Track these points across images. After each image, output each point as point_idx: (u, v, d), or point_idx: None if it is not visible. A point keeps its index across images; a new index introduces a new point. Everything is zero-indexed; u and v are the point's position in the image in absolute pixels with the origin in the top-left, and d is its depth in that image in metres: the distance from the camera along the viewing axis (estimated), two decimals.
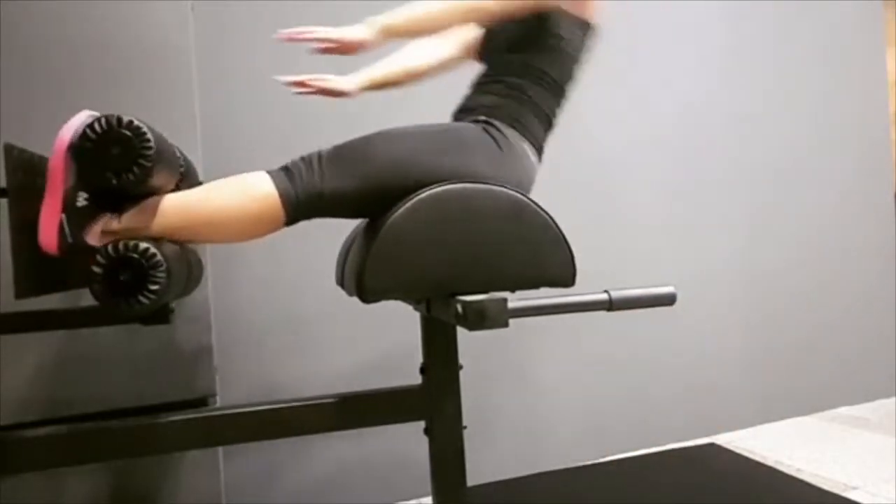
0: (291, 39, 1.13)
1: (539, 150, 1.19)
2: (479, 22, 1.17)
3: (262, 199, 0.96)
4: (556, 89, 1.19)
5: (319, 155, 1.02)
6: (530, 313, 0.90)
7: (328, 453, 1.91)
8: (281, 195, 0.97)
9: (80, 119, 0.88)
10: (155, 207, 0.92)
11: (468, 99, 1.24)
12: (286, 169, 1.00)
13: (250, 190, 0.97)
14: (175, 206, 0.94)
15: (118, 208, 0.90)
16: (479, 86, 1.22)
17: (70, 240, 0.86)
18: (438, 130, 1.07)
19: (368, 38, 1.12)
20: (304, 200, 0.98)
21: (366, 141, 1.03)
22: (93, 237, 0.87)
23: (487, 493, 1.97)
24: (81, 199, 0.87)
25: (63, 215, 0.86)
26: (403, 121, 1.18)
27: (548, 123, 1.19)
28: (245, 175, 0.99)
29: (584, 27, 1.21)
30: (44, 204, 0.86)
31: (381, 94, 2.01)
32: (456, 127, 1.09)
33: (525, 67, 1.16)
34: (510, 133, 1.11)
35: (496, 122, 1.11)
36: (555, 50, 1.17)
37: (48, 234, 0.85)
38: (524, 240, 0.99)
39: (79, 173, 0.86)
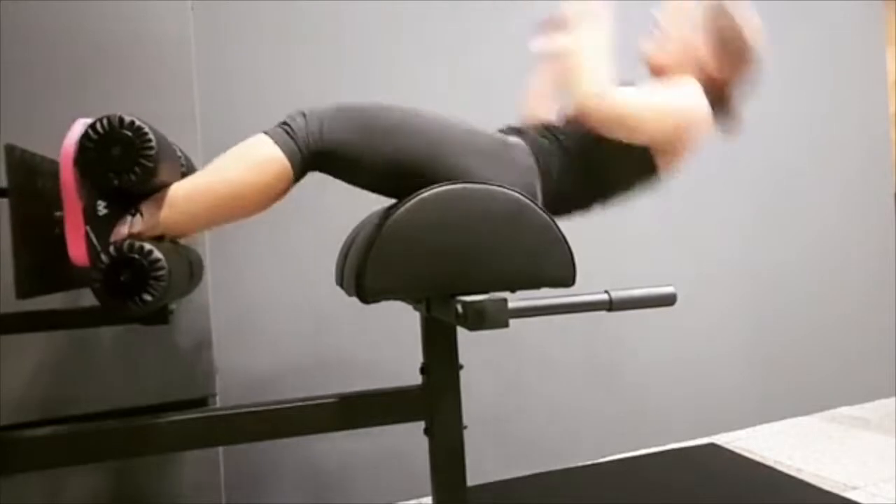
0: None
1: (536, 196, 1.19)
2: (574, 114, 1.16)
3: (270, 163, 0.96)
4: (587, 189, 1.18)
5: (322, 111, 1.01)
6: (530, 313, 0.90)
7: (328, 453, 1.91)
8: (286, 153, 0.96)
9: (78, 129, 0.88)
10: (172, 199, 0.92)
11: (531, 127, 1.23)
12: (284, 124, 0.99)
13: (257, 156, 0.96)
14: (188, 192, 0.94)
15: (136, 208, 0.90)
16: (546, 127, 1.20)
17: (99, 249, 0.86)
18: (481, 135, 1.08)
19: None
20: (306, 152, 0.98)
21: (375, 109, 1.03)
22: (121, 241, 0.87)
23: (487, 493, 1.97)
24: (101, 208, 0.87)
25: (87, 227, 0.86)
26: None
27: (561, 204, 1.19)
28: (246, 144, 0.98)
29: (647, 166, 1.19)
30: (66, 220, 0.86)
31: (381, 96, 2.01)
32: (473, 129, 1.10)
33: (578, 151, 1.16)
34: (530, 162, 1.12)
35: (536, 157, 1.13)
36: (607, 162, 1.17)
37: (77, 248, 0.86)
38: (524, 240, 0.99)
39: (90, 182, 0.86)
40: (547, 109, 1.42)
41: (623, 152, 1.15)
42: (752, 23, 1.26)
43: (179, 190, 0.94)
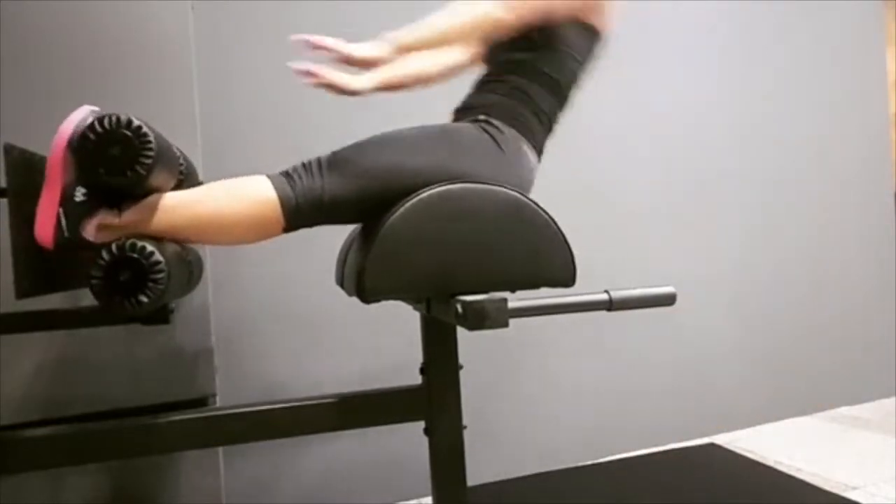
0: (308, 44, 1.13)
1: (538, 151, 1.18)
2: (496, 35, 1.17)
3: (262, 203, 0.96)
4: (558, 92, 1.19)
5: (319, 161, 1.02)
6: (530, 313, 0.90)
7: (328, 453, 1.91)
8: (281, 199, 0.96)
9: (80, 114, 0.88)
10: (154, 206, 0.92)
11: (469, 97, 1.23)
12: (286, 174, 1.00)
13: (250, 193, 0.96)
14: (174, 205, 0.94)
15: (116, 204, 0.90)
16: (481, 84, 1.21)
17: (66, 234, 0.86)
18: (435, 132, 1.07)
19: (382, 55, 1.12)
20: (303, 205, 0.98)
21: (361, 147, 1.03)
22: (90, 232, 0.87)
23: (487, 493, 1.97)
24: (80, 195, 0.87)
25: (60, 209, 0.86)
26: (405, 121, 1.18)
27: (548, 125, 1.19)
28: (245, 178, 0.98)
29: (593, 34, 1.21)
30: (41, 197, 0.85)
31: (382, 94, 2.01)
32: (454, 128, 1.09)
33: (528, 68, 1.16)
34: (509, 132, 1.11)
35: (495, 121, 1.11)
36: (559, 52, 1.17)
37: (44, 227, 0.85)
38: (524, 240, 0.99)
39: (79, 172, 0.86)
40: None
41: (557, 39, 1.16)
42: None
43: (168, 202, 0.93)
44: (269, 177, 0.99)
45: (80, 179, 0.87)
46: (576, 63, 1.20)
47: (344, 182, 0.99)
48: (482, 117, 1.12)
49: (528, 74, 1.16)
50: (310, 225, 1.01)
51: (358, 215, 1.04)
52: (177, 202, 0.94)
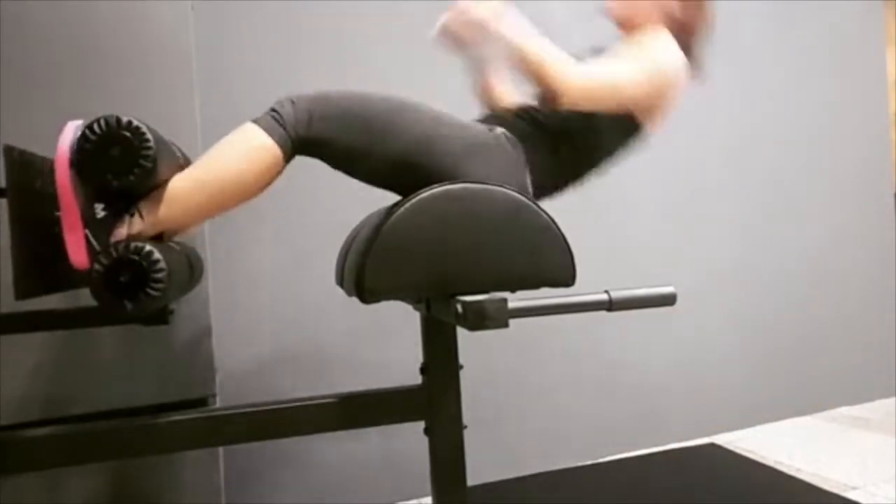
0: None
1: (527, 191, 1.18)
2: (542, 87, 1.13)
3: (261, 151, 0.97)
4: (582, 170, 1.19)
5: (310, 98, 1.01)
6: (530, 313, 0.90)
7: (328, 453, 1.91)
8: (275, 140, 0.97)
9: (71, 132, 0.88)
10: (171, 196, 0.93)
11: (493, 115, 1.23)
12: (273, 110, 1.00)
13: (247, 145, 0.97)
14: (187, 188, 0.94)
15: (134, 208, 0.90)
16: (521, 110, 1.20)
17: (99, 251, 0.86)
18: (446, 115, 1.08)
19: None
20: (294, 137, 0.99)
21: (398, 106, 1.03)
22: (121, 242, 0.87)
23: (487, 493, 1.97)
24: (99, 211, 0.87)
25: (87, 231, 0.86)
26: None
27: (556, 187, 1.19)
28: (235, 134, 0.99)
29: (634, 129, 1.20)
30: (64, 224, 0.85)
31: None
32: (467, 121, 1.10)
33: (576, 131, 1.16)
34: (521, 160, 1.12)
35: (512, 137, 1.13)
36: (606, 136, 1.17)
37: (77, 252, 0.86)
38: (524, 240, 0.99)
39: (85, 182, 0.86)
40: (509, 94, 1.38)
41: (607, 120, 1.16)
42: None
43: (176, 186, 0.94)
44: (255, 121, 0.99)
45: (93, 193, 0.87)
46: (605, 150, 1.20)
47: (333, 117, 1.00)
48: (500, 130, 1.13)
49: (557, 130, 1.16)
50: (308, 154, 1.02)
51: (348, 157, 1.03)
52: (186, 184, 0.94)
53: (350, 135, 1.00)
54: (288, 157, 1.00)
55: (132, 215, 0.89)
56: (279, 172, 1.01)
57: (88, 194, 0.87)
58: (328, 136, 1.00)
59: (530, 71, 1.07)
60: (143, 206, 0.90)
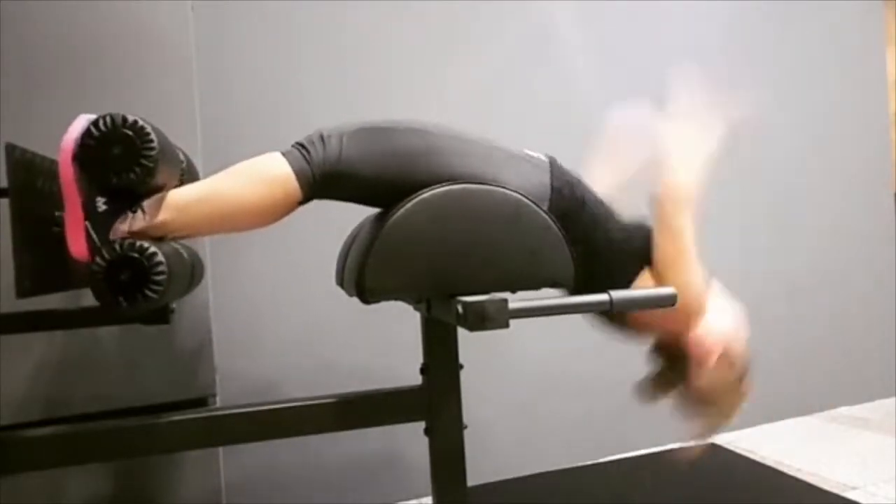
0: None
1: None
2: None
3: (281, 182, 0.96)
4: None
5: (341, 132, 1.00)
6: (531, 314, 0.90)
7: (328, 453, 1.91)
8: (297, 174, 0.96)
9: (80, 125, 0.88)
10: (179, 202, 0.92)
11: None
12: (301, 145, 0.99)
13: (267, 173, 0.96)
14: (195, 198, 0.94)
15: (138, 205, 0.90)
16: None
17: (99, 245, 0.86)
18: (486, 147, 1.05)
19: None
20: (319, 177, 0.97)
21: (395, 127, 1.02)
22: (121, 238, 0.87)
23: (487, 493, 1.97)
24: (101, 204, 0.87)
25: (87, 223, 0.86)
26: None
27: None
28: (260, 158, 0.98)
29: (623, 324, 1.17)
30: (66, 216, 0.86)
31: (381, 96, 2.01)
32: (515, 160, 1.07)
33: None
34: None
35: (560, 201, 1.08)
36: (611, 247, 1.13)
37: (77, 243, 0.86)
38: (524, 240, 0.99)
39: (86, 177, 0.86)
40: (611, 177, 1.34)
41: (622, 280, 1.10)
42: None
43: (187, 194, 0.94)
44: (283, 153, 0.98)
45: (95, 187, 0.87)
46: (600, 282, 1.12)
47: (363, 156, 0.98)
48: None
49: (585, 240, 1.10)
50: (327, 198, 1.01)
51: (372, 195, 1.02)
52: (197, 196, 0.94)
53: (377, 172, 0.99)
54: (307, 195, 0.98)
55: (135, 212, 0.89)
56: (293, 208, 0.99)
57: (91, 188, 0.87)
58: (356, 173, 0.98)
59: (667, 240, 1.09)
60: (147, 206, 0.90)
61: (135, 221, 0.89)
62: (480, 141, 1.06)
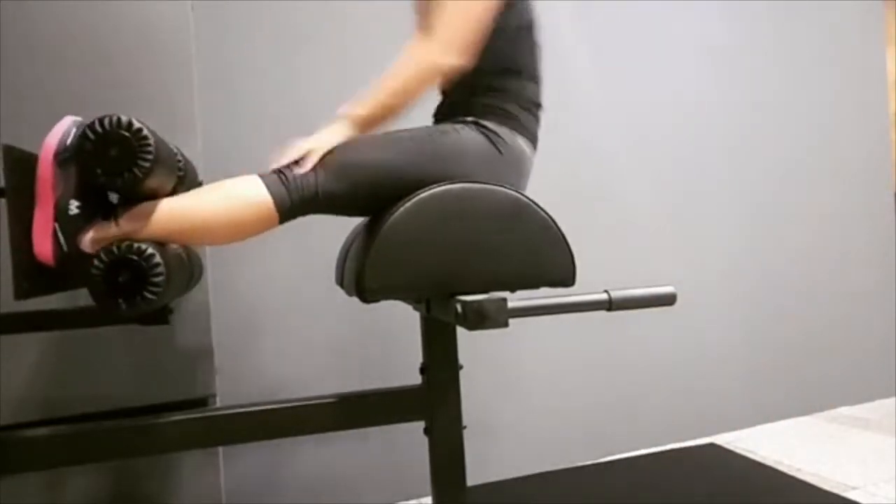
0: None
1: (533, 140, 1.18)
2: (442, 80, 1.16)
3: (257, 205, 0.97)
4: (529, 72, 1.17)
5: (332, 157, 1.02)
6: (530, 313, 0.90)
7: (328, 453, 1.91)
8: (275, 200, 0.97)
9: (64, 126, 0.88)
10: (149, 213, 0.92)
11: (448, 99, 1.23)
12: (279, 172, 1.00)
13: (244, 196, 0.97)
14: (169, 211, 0.94)
15: (110, 214, 0.90)
16: (455, 87, 1.19)
17: (65, 248, 0.86)
18: (432, 134, 1.07)
19: (346, 136, 1.08)
20: (297, 203, 0.99)
21: (355, 147, 1.04)
22: (87, 244, 0.87)
23: (487, 493, 1.97)
24: (73, 208, 0.87)
25: (56, 224, 0.86)
26: (405, 122, 1.18)
27: (535, 109, 1.18)
28: (238, 180, 0.99)
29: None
30: (35, 214, 0.86)
31: None
32: (452, 129, 1.09)
33: (490, 62, 1.14)
34: (504, 131, 1.11)
35: (487, 123, 1.11)
36: (507, 36, 1.14)
37: (42, 244, 0.86)
38: (524, 240, 0.99)
39: (78, 174, 0.86)
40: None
41: (494, 34, 1.13)
42: None
43: (162, 208, 0.94)
44: (261, 176, 0.99)
45: (73, 191, 0.87)
46: (522, 35, 1.17)
47: (335, 178, 1.01)
48: (470, 119, 1.12)
49: (494, 68, 1.14)
50: (304, 215, 1.03)
51: (355, 210, 1.05)
52: (171, 209, 0.94)
53: (355, 191, 1.01)
54: (284, 219, 1.00)
55: (108, 219, 0.89)
56: (268, 228, 1.01)
57: (66, 189, 0.87)
58: (335, 196, 1.01)
59: (420, 91, 1.07)
60: (121, 214, 0.90)
61: (104, 229, 0.88)
62: (417, 133, 1.08)
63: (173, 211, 0.94)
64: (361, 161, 1.02)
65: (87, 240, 0.87)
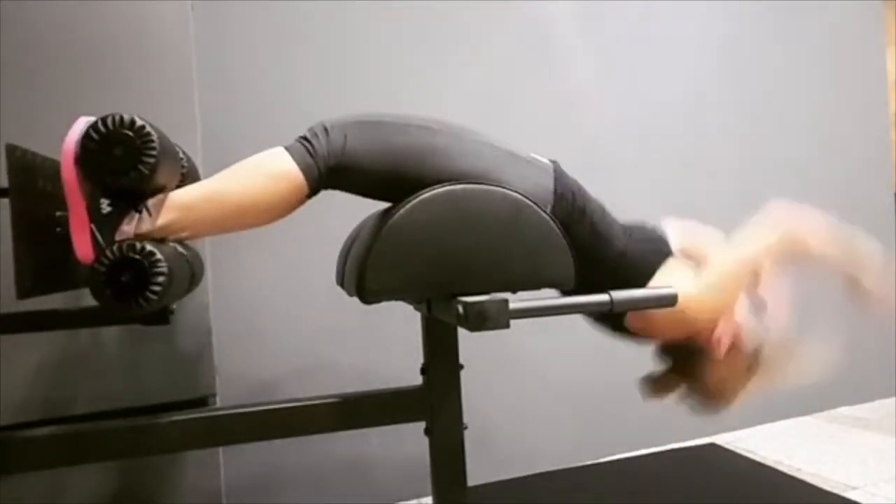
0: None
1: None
2: None
3: (285, 178, 0.96)
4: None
5: (344, 123, 1.00)
6: (531, 314, 0.89)
7: (328, 453, 1.91)
8: (302, 170, 0.96)
9: (79, 127, 0.87)
10: (182, 202, 0.92)
11: None
12: (305, 139, 0.99)
13: (271, 169, 0.96)
14: (201, 197, 0.94)
15: (142, 207, 0.90)
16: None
17: (105, 247, 0.86)
18: (502, 152, 1.06)
19: None
20: (324, 171, 0.97)
21: (407, 125, 1.01)
22: (126, 239, 0.87)
23: (487, 493, 1.97)
24: (105, 206, 0.87)
25: (92, 225, 0.86)
26: None
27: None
28: (263, 155, 0.98)
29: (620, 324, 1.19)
30: (70, 220, 0.86)
31: (381, 96, 2.01)
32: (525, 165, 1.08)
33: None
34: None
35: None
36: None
37: (83, 246, 0.86)
38: (525, 241, 0.99)
39: (83, 173, 0.86)
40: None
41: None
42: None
43: (193, 193, 0.94)
44: (286, 148, 0.98)
45: (98, 189, 0.87)
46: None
47: (367, 151, 0.98)
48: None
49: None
50: (335, 189, 1.01)
51: (377, 189, 1.03)
52: (202, 195, 0.94)
53: (383, 163, 0.98)
54: (313, 189, 0.98)
55: (140, 212, 0.89)
56: (300, 203, 0.99)
57: (94, 190, 0.87)
58: (361, 166, 0.98)
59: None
60: (152, 206, 0.90)
61: (141, 223, 0.88)
62: (485, 140, 1.06)
63: (205, 197, 0.94)
64: (399, 144, 1.00)
65: (126, 234, 0.87)
